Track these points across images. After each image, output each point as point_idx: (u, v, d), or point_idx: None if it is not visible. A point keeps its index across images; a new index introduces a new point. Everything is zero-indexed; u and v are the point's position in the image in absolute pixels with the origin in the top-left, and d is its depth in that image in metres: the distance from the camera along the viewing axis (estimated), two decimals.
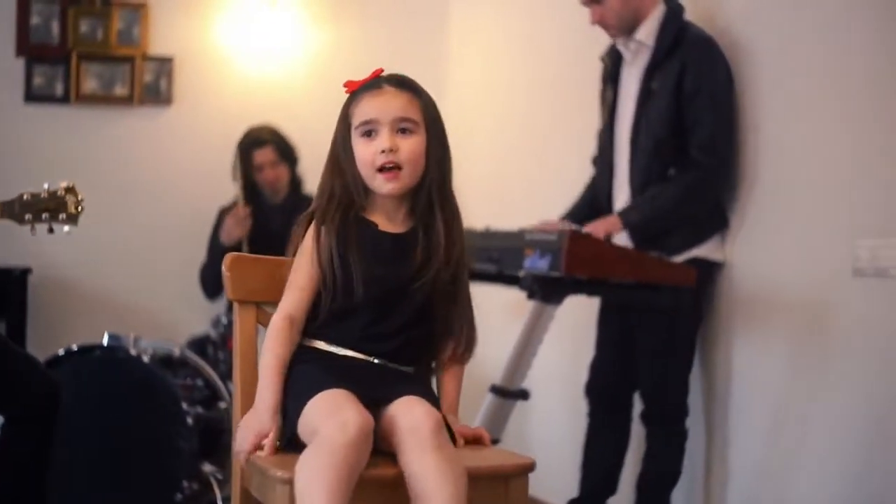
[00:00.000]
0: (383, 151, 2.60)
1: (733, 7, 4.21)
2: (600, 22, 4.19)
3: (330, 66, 6.22)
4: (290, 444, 2.55)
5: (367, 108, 2.63)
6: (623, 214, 4.07)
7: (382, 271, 2.62)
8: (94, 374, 4.49)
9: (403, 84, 2.67)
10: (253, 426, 2.57)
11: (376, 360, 2.63)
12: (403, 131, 2.63)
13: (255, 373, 2.74)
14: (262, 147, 5.72)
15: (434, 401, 2.60)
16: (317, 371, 2.57)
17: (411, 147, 2.63)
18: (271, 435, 2.54)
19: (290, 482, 2.37)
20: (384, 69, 2.75)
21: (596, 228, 4.00)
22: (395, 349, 2.65)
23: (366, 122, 2.63)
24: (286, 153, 5.77)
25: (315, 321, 2.67)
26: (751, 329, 4.08)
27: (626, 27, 4.16)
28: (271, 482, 2.44)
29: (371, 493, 2.42)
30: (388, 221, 2.68)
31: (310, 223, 2.68)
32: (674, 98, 4.03)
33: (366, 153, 2.63)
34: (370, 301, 2.61)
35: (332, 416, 2.39)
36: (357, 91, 2.67)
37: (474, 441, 2.68)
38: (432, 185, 2.67)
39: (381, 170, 2.62)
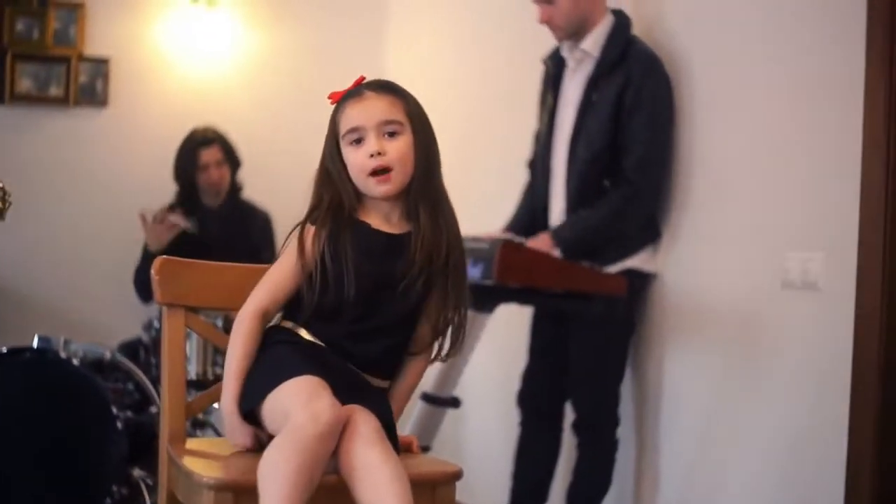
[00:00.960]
0: (372, 156, 2.61)
1: (672, 21, 4.24)
2: (548, 22, 4.19)
3: (268, 69, 6.20)
4: (247, 416, 2.56)
5: (352, 116, 2.63)
6: (555, 233, 4.08)
7: (373, 268, 2.61)
8: (22, 376, 4.43)
9: (384, 87, 2.68)
10: (241, 444, 2.59)
11: (353, 367, 2.61)
12: (390, 134, 2.63)
13: (182, 377, 2.73)
14: (209, 146, 5.70)
15: (387, 420, 2.57)
16: (297, 354, 2.56)
17: (398, 148, 2.63)
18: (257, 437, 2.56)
19: (215, 487, 2.36)
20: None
21: (532, 246, 4.02)
22: (376, 356, 2.64)
23: (352, 130, 2.63)
24: (231, 155, 5.75)
25: (299, 312, 2.65)
26: (682, 339, 4.11)
27: (573, 30, 4.17)
28: (198, 487, 2.42)
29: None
30: (384, 223, 2.68)
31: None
32: (613, 111, 4.05)
33: (356, 160, 2.63)
34: (359, 298, 2.59)
35: (306, 406, 2.37)
36: (340, 101, 2.68)
37: (404, 447, 2.68)
38: (418, 183, 2.67)
39: (373, 174, 2.62)
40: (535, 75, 4.50)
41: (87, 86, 6.07)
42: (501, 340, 4.69)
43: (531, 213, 4.36)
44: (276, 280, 2.66)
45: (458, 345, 2.74)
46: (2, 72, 5.94)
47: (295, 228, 2.68)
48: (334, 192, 2.66)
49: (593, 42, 4.15)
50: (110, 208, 6.08)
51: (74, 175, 6.07)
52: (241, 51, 6.27)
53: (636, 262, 4.14)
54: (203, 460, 2.53)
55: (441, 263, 2.65)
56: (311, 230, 2.64)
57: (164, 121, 6.11)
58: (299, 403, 2.39)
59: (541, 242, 4.05)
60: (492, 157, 5.41)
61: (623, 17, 4.18)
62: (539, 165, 4.38)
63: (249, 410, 2.55)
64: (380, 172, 2.61)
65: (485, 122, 5.53)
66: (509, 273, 3.67)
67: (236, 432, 2.58)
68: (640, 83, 4.03)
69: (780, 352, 3.73)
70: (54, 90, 6.02)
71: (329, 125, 2.70)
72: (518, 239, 3.96)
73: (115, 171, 6.12)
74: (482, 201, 5.32)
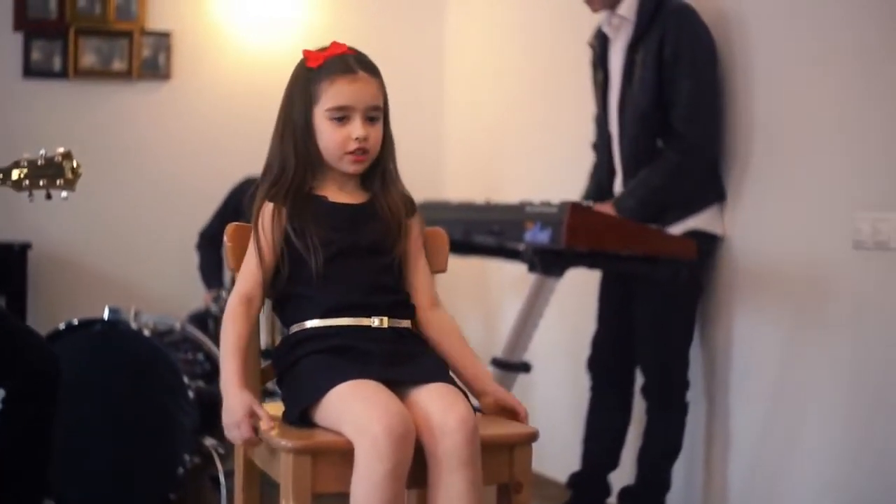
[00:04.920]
0: (356, 139, 2.63)
1: None
2: None
3: (328, 41, 6.18)
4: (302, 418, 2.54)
5: (342, 94, 2.64)
6: (617, 202, 4.05)
7: (337, 238, 2.63)
8: (94, 348, 4.48)
9: (372, 69, 2.69)
10: (235, 412, 2.48)
11: (375, 322, 2.61)
12: (372, 119, 2.66)
13: (256, 345, 2.75)
14: None
15: (453, 380, 2.59)
16: (330, 358, 2.54)
17: (378, 134, 2.68)
18: (258, 411, 2.47)
19: (293, 451, 2.38)
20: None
21: None
22: (385, 306, 2.64)
23: (340, 108, 2.64)
24: None
25: (292, 307, 2.67)
26: (751, 302, 4.08)
27: (610, 1, 4.15)
28: (276, 452, 2.45)
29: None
30: (339, 192, 2.71)
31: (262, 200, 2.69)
32: (655, 69, 4.03)
33: (336, 137, 2.65)
34: (335, 268, 2.61)
35: (365, 432, 2.36)
36: (326, 69, 2.66)
37: (510, 413, 2.66)
38: (387, 161, 2.73)
39: (351, 152, 2.65)
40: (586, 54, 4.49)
41: (150, 60, 6.11)
42: (571, 305, 4.69)
43: (598, 190, 4.35)
44: (250, 265, 2.66)
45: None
46: (65, 47, 5.99)
47: (256, 196, 2.69)
48: (297, 161, 2.67)
49: (628, 6, 4.13)
50: (174, 180, 6.15)
51: (140, 148, 6.13)
52: (302, 22, 6.29)
53: (700, 222, 4.10)
54: (279, 426, 2.53)
55: (408, 241, 2.72)
56: (268, 207, 2.65)
57: (227, 93, 6.18)
58: (356, 430, 2.38)
59: (604, 211, 4.05)
60: (549, 130, 5.40)
61: None
62: (600, 143, 4.38)
63: (302, 413, 2.52)
64: (358, 153, 2.65)
65: (542, 98, 5.52)
66: (578, 237, 3.65)
67: (237, 409, 2.47)
68: (676, 36, 4.01)
69: (851, 313, 3.69)
70: (117, 64, 6.07)
71: (299, 85, 2.69)
72: (586, 203, 3.94)
73: (178, 143, 6.17)
74: (543, 173, 5.34)
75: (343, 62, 2.66)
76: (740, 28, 4.09)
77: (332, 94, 2.64)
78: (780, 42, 3.96)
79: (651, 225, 3.93)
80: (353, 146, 2.64)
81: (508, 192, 5.10)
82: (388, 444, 2.34)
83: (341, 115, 2.64)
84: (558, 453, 4.69)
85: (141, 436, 4.44)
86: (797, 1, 3.92)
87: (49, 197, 3.58)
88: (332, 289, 2.61)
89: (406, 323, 2.68)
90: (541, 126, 5.53)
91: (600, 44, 4.32)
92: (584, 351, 4.43)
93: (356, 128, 2.63)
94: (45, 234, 5.79)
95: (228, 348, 2.58)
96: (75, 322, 4.53)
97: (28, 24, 5.96)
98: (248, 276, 2.66)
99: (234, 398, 2.49)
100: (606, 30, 4.26)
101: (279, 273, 2.66)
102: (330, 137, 2.65)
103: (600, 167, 4.38)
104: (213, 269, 5.76)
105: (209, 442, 4.60)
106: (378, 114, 2.67)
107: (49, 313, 5.45)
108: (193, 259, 5.86)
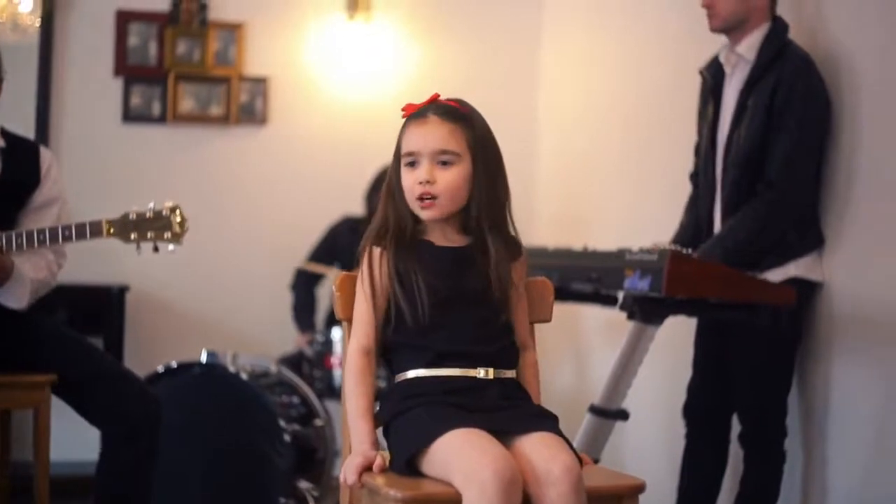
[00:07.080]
0: (421, 182, 2.66)
1: (835, 25, 4.17)
2: (710, 7, 4.14)
3: (424, 87, 6.14)
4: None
5: (411, 139, 2.68)
6: (703, 253, 4.03)
7: (445, 285, 2.66)
8: (192, 390, 4.54)
9: (449, 113, 2.70)
10: (356, 459, 2.57)
11: (482, 373, 2.63)
12: (444, 163, 2.67)
13: None
14: None
15: (557, 429, 2.59)
16: (436, 408, 2.56)
17: (449, 178, 2.67)
18: (378, 460, 2.56)
19: (402, 501, 2.39)
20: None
21: None
22: (491, 355, 2.66)
23: (409, 153, 2.68)
24: None
25: (397, 355, 2.70)
26: (850, 350, 4.04)
27: (732, 24, 4.10)
28: (384, 501, 2.45)
29: None
30: (444, 238, 2.74)
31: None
32: (766, 115, 4.00)
33: (407, 182, 2.69)
34: (441, 314, 2.64)
35: (471, 480, 2.37)
36: (407, 119, 2.72)
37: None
38: (480, 209, 2.70)
39: (420, 198, 2.67)
40: (693, 85, 4.47)
41: (247, 105, 6.19)
42: (666, 351, 4.67)
43: (696, 226, 4.32)
44: (364, 315, 2.70)
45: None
46: (164, 92, 6.09)
47: (363, 245, 2.73)
48: (397, 210, 2.71)
49: (749, 46, 4.10)
50: (270, 223, 6.20)
51: (236, 192, 6.20)
52: (397, 69, 6.33)
53: (800, 269, 4.05)
54: (387, 476, 2.55)
55: (508, 290, 2.72)
56: (376, 253, 2.69)
57: (322, 137, 6.24)
58: (464, 475, 2.39)
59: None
60: (650, 170, 5.39)
61: (781, 22, 4.12)
62: (702, 177, 4.34)
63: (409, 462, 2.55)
64: (426, 198, 2.66)
65: (643, 136, 5.50)
66: (678, 285, 3.63)
67: (364, 458, 2.57)
68: (790, 86, 3.96)
69: None
70: (215, 109, 6.15)
71: (398, 138, 2.74)
72: (685, 250, 3.93)
73: (274, 186, 6.23)
74: (643, 216, 5.32)
75: (419, 111, 2.70)
76: (851, 76, 4.03)
77: (405, 141, 2.70)
78: (887, 85, 3.93)
79: (750, 272, 3.91)
80: (418, 190, 2.67)
81: (600, 236, 5.10)
82: (496, 491, 2.35)
83: (411, 160, 2.68)
84: (653, 501, 4.66)
85: (237, 478, 4.47)
86: None
87: (156, 249, 3.65)
88: (438, 336, 2.64)
89: (511, 373, 2.70)
90: (634, 168, 5.52)
91: (713, 75, 4.29)
92: (680, 398, 4.40)
93: (421, 171, 2.66)
94: (143, 277, 5.85)
95: (359, 411, 2.63)
96: (174, 365, 4.59)
97: (128, 70, 6.07)
98: (363, 326, 2.70)
99: (367, 454, 2.57)
100: (723, 62, 4.23)
101: (388, 319, 2.69)
102: (405, 184, 2.70)
103: (701, 201, 4.35)
104: (306, 311, 5.80)
105: (304, 485, 4.63)
106: (450, 157, 2.67)
107: (146, 356, 5.52)
108: (287, 300, 5.90)
